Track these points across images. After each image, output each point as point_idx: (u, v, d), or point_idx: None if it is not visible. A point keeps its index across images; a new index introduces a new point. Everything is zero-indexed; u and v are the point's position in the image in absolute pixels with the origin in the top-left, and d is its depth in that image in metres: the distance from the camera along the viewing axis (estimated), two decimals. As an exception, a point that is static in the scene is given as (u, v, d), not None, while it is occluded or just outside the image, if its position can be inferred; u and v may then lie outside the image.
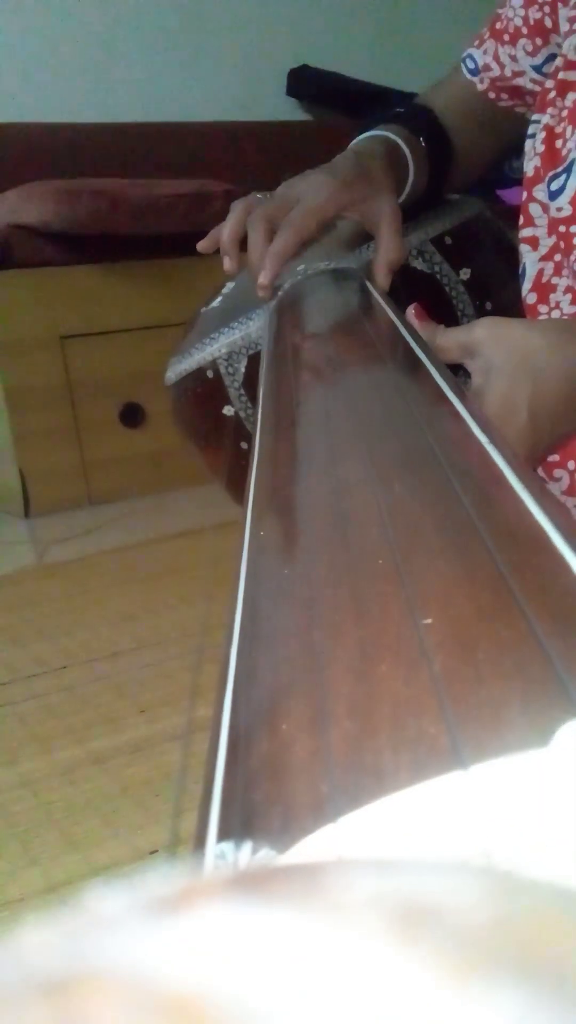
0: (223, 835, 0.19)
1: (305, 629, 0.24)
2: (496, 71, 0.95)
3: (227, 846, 0.19)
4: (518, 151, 0.97)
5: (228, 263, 0.83)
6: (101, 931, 0.09)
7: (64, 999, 0.08)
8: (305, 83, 2.99)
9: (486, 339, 0.66)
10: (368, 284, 0.77)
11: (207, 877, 0.10)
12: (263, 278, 0.77)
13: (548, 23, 0.88)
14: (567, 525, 0.26)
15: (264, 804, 0.19)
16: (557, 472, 0.83)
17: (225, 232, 0.83)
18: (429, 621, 0.22)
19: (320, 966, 0.08)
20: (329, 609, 0.24)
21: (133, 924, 0.09)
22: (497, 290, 0.94)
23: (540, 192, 0.85)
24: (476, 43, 0.96)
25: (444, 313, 0.90)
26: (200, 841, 0.20)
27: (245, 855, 0.18)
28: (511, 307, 0.90)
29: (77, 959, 0.09)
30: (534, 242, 0.87)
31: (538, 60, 0.91)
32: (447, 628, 0.21)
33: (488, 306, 0.92)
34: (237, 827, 0.19)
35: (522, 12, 0.90)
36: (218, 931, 0.09)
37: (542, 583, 0.23)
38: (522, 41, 0.91)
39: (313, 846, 0.17)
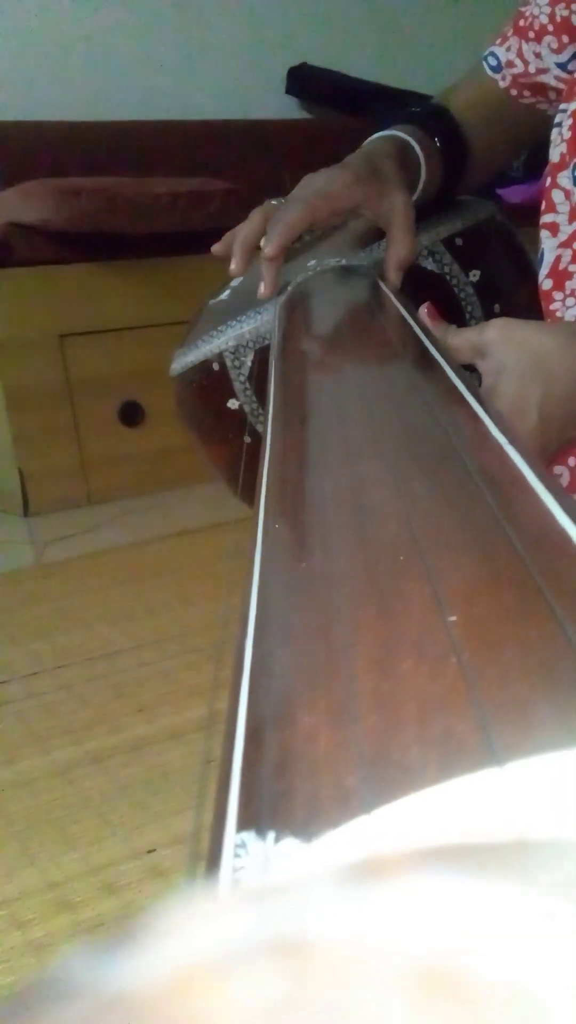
0: (243, 825, 0.19)
1: (326, 623, 0.24)
2: (519, 68, 0.95)
3: (248, 835, 0.18)
4: (523, 151, 0.97)
5: (235, 264, 0.82)
6: (296, 901, 0.09)
7: (302, 964, 0.08)
8: (304, 81, 2.99)
9: (498, 340, 0.66)
10: (379, 281, 0.77)
11: (393, 851, 0.10)
12: (268, 249, 0.77)
13: (575, 20, 0.89)
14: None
15: (287, 795, 0.19)
16: (557, 469, 0.83)
17: (240, 236, 0.83)
18: (454, 618, 0.21)
19: (560, 940, 0.08)
20: (350, 604, 0.24)
21: (331, 894, 0.09)
22: (506, 293, 0.94)
23: (564, 179, 0.85)
24: (499, 41, 0.97)
25: (453, 314, 0.90)
26: (218, 830, 0.20)
27: (268, 845, 0.18)
28: (520, 310, 0.90)
29: (292, 927, 0.08)
30: (554, 228, 0.87)
31: (563, 57, 0.92)
32: (472, 626, 0.21)
33: (497, 308, 0.92)
34: (258, 817, 0.19)
35: (548, 10, 0.91)
36: (436, 902, 0.08)
37: (567, 584, 0.22)
38: (548, 38, 0.92)
39: (340, 838, 0.17)
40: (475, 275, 0.91)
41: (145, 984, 0.08)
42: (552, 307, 0.87)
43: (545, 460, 0.74)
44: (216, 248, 0.85)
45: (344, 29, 3.07)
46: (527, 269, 0.89)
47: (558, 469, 0.83)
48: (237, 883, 0.09)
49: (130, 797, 0.95)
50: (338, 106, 2.99)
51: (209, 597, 1.42)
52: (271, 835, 0.18)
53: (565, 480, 0.83)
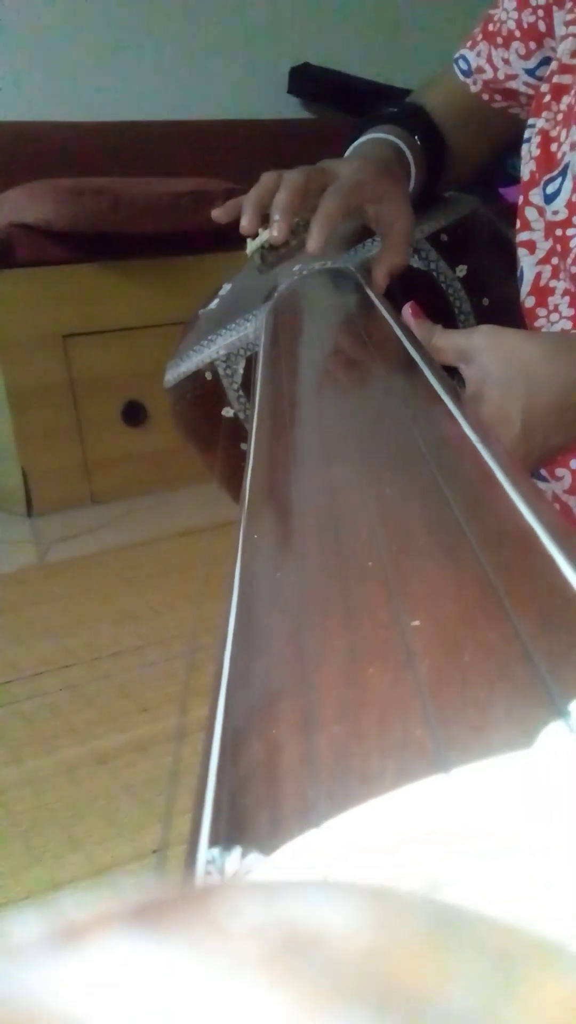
0: (214, 840, 0.19)
1: (295, 632, 0.24)
2: (489, 73, 0.94)
3: (216, 851, 0.19)
4: (501, 152, 0.96)
5: (246, 220, 0.77)
6: (7, 958, 0.09)
7: None
8: (306, 81, 2.99)
9: (484, 347, 0.66)
10: (364, 284, 0.77)
11: (108, 905, 0.10)
12: (313, 244, 0.73)
13: (542, 27, 0.87)
14: (556, 525, 0.26)
15: (253, 809, 0.19)
16: (559, 471, 0.83)
17: (251, 194, 0.79)
18: (417, 623, 0.22)
19: (188, 1000, 0.08)
20: (319, 612, 0.24)
21: (36, 953, 0.09)
22: (494, 286, 0.94)
23: (536, 196, 0.85)
24: (469, 44, 0.96)
25: (441, 310, 0.90)
26: (192, 846, 0.20)
27: (234, 860, 0.18)
28: (508, 302, 0.90)
29: None
30: (531, 246, 0.87)
31: (531, 63, 0.90)
32: (434, 630, 0.21)
33: (485, 302, 0.92)
34: (227, 832, 0.19)
35: (515, 15, 0.89)
36: (105, 964, 0.09)
37: (529, 583, 0.23)
38: (515, 44, 0.90)
39: (299, 851, 0.17)
40: (462, 270, 0.91)
41: None
42: (537, 324, 0.87)
43: (528, 468, 0.74)
44: (217, 213, 0.81)
45: (346, 29, 3.07)
46: (514, 261, 0.89)
47: (560, 471, 0.83)
48: None
49: (135, 797, 0.95)
50: (340, 106, 2.99)
51: (213, 597, 1.43)
52: (237, 850, 0.18)
53: (567, 482, 0.83)
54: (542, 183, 0.84)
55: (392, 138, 0.89)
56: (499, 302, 0.92)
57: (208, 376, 0.89)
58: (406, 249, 0.81)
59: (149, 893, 0.10)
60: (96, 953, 0.09)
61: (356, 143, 0.91)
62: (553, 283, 0.85)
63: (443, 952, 0.09)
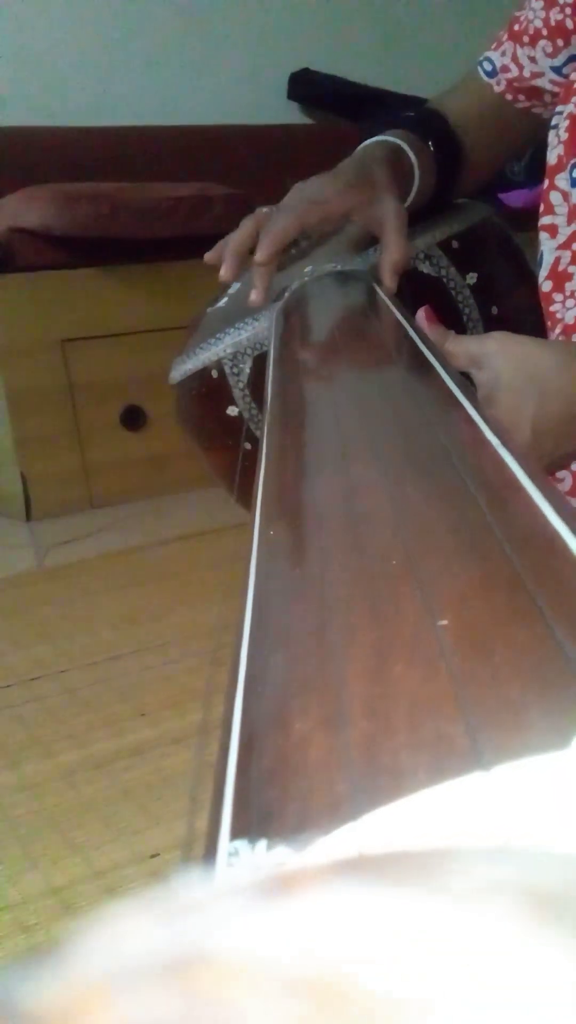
0: (236, 832, 0.19)
1: (318, 629, 0.24)
2: (514, 72, 0.96)
3: (241, 843, 0.18)
4: (519, 155, 0.97)
5: (225, 270, 0.83)
6: (202, 915, 0.09)
7: (192, 980, 0.08)
8: (306, 87, 2.99)
9: (496, 352, 0.66)
10: (375, 286, 0.77)
11: (309, 864, 0.10)
12: (259, 256, 0.77)
13: (569, 24, 0.90)
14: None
15: (280, 802, 0.19)
16: (560, 473, 0.83)
17: (231, 243, 0.83)
18: (445, 622, 0.22)
19: (459, 950, 0.08)
20: (343, 609, 0.24)
21: (237, 908, 0.09)
22: (504, 295, 0.94)
23: (562, 180, 0.86)
24: (494, 46, 0.98)
25: (450, 317, 0.90)
26: (212, 838, 0.20)
27: (260, 852, 0.18)
28: (518, 312, 0.90)
29: (189, 942, 0.08)
30: (553, 230, 0.87)
31: (558, 61, 0.92)
32: (463, 630, 0.21)
33: (495, 310, 0.92)
34: (251, 824, 0.19)
35: (543, 14, 0.91)
36: (337, 914, 0.09)
37: (558, 586, 0.22)
38: (542, 42, 0.92)
39: (330, 845, 0.17)
40: (472, 277, 0.91)
41: (39, 1004, 0.08)
42: (552, 308, 0.87)
43: None
44: (208, 256, 0.85)
45: (346, 34, 3.07)
46: (524, 270, 0.89)
47: (561, 473, 0.83)
48: (152, 902, 0.09)
49: (133, 801, 0.95)
50: (340, 111, 3.00)
51: (211, 601, 1.42)
52: (263, 843, 0.18)
53: (568, 484, 0.83)
54: (569, 167, 0.84)
55: (393, 139, 0.90)
56: (508, 311, 0.93)
57: (214, 374, 0.89)
58: (403, 245, 0.81)
59: (346, 855, 0.10)
60: (317, 905, 0.09)
61: (360, 146, 0.91)
62: (572, 268, 0.86)
63: None
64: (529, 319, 0.89)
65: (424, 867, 0.09)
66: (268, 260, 0.78)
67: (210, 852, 0.19)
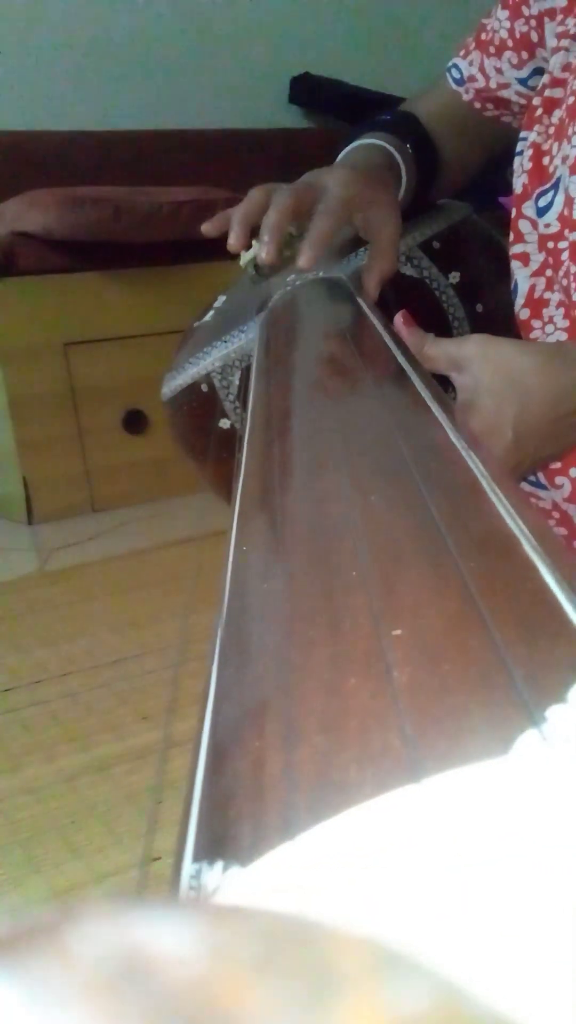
0: (198, 854, 0.19)
1: (281, 644, 0.24)
2: (481, 82, 0.94)
3: (200, 866, 0.19)
4: (497, 163, 0.96)
5: (233, 237, 0.78)
6: None
7: None
8: (307, 90, 3.00)
9: (476, 356, 0.66)
10: (356, 294, 0.77)
11: None
12: (304, 261, 0.73)
13: (534, 37, 0.87)
14: (538, 530, 0.26)
15: (236, 822, 0.19)
16: (559, 479, 0.83)
17: (239, 213, 0.79)
18: (398, 632, 0.22)
19: None
20: (304, 623, 0.25)
21: None
22: (487, 292, 0.94)
23: (528, 209, 0.86)
24: (462, 53, 0.96)
25: (435, 318, 0.90)
26: (178, 860, 0.20)
27: (216, 874, 0.18)
28: (502, 309, 0.90)
29: None
30: (525, 258, 0.87)
31: (524, 73, 0.90)
32: (415, 639, 0.22)
33: (479, 308, 0.92)
34: (210, 846, 0.19)
35: (507, 24, 0.89)
36: None
37: (509, 589, 0.23)
38: (507, 54, 0.90)
39: (276, 863, 0.17)
40: (455, 277, 0.91)
41: None
42: (532, 335, 0.87)
43: (519, 477, 0.74)
44: (207, 227, 0.81)
45: (347, 38, 3.08)
46: (507, 266, 0.89)
47: (560, 479, 0.83)
48: None
49: (135, 805, 0.95)
50: (341, 115, 3.00)
51: (213, 605, 1.43)
52: (219, 864, 0.18)
53: (567, 491, 0.83)
54: (535, 196, 0.84)
55: (383, 144, 0.89)
56: (493, 308, 0.93)
57: (204, 388, 0.90)
58: (394, 255, 0.81)
59: (10, 923, 0.10)
60: None
61: (348, 148, 0.91)
62: (547, 295, 0.85)
63: (266, 977, 0.09)
64: (513, 316, 0.89)
65: (57, 936, 0.10)
66: (311, 266, 0.74)
67: (176, 874, 0.20)
